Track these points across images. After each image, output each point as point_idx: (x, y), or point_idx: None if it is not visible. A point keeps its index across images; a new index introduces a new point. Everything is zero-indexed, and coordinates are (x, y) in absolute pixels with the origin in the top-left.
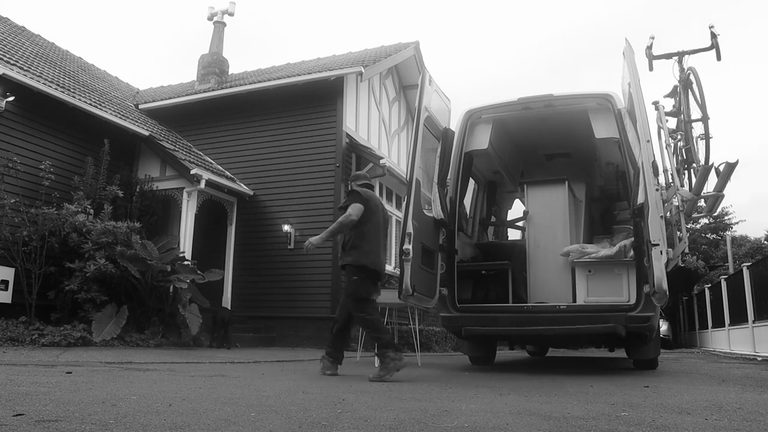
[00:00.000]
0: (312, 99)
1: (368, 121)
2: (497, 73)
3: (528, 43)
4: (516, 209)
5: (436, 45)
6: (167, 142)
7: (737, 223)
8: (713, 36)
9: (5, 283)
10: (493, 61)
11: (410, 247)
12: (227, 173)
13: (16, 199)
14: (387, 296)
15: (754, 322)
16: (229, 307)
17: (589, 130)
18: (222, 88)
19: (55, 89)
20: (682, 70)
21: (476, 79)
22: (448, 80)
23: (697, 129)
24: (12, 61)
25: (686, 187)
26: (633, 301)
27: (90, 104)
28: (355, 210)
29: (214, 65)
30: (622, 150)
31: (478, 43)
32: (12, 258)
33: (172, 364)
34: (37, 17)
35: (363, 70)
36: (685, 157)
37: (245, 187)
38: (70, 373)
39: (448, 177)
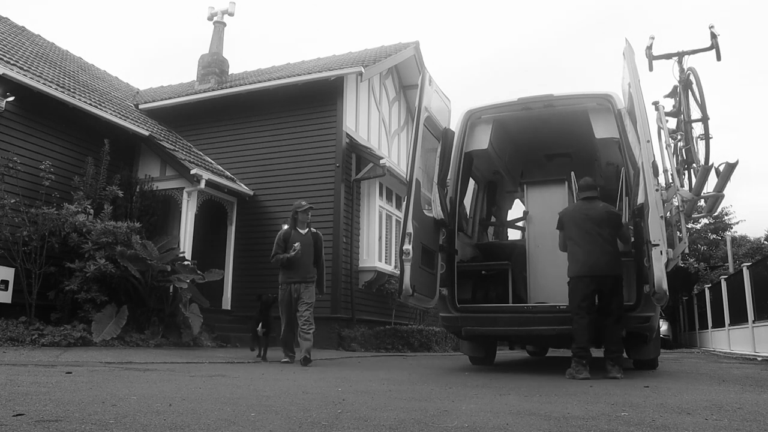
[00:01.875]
0: (312, 99)
1: (368, 121)
2: (498, 72)
3: (529, 43)
4: (516, 209)
5: (436, 45)
6: (167, 142)
7: (737, 223)
8: (713, 36)
9: (5, 283)
10: (494, 60)
11: (410, 247)
12: (227, 173)
13: (16, 199)
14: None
15: (754, 322)
16: (230, 307)
17: (589, 130)
18: (222, 88)
19: (55, 89)
20: (682, 70)
21: (477, 79)
22: (447, 81)
23: (697, 129)
24: (12, 61)
25: (686, 188)
26: (633, 301)
27: (90, 104)
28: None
29: (214, 65)
30: (622, 150)
31: (479, 43)
32: (12, 258)
33: (172, 364)
34: (37, 17)
35: (363, 70)
36: (685, 158)
37: (245, 187)
38: (70, 373)
39: (448, 177)
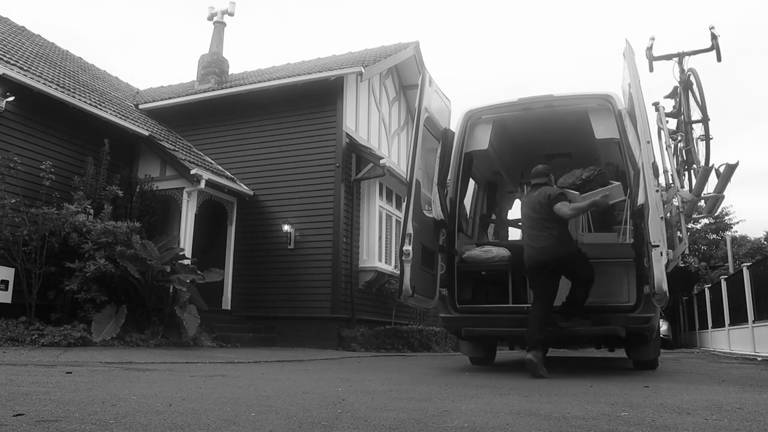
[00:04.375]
0: (312, 99)
1: (368, 121)
2: (498, 72)
3: (531, 44)
4: (516, 209)
5: (436, 46)
6: (167, 142)
7: (737, 223)
8: (713, 37)
9: (5, 283)
10: (494, 61)
11: (410, 247)
12: (227, 173)
13: (16, 199)
14: None
15: (754, 322)
16: (230, 307)
17: (589, 130)
18: (222, 88)
19: (55, 89)
20: (682, 71)
21: (477, 79)
22: (447, 81)
23: (698, 130)
24: (12, 61)
25: (686, 188)
26: (633, 301)
27: (90, 104)
28: None
29: (214, 65)
30: (622, 151)
31: (479, 44)
32: (12, 258)
33: (172, 364)
34: (37, 17)
35: (363, 70)
36: (685, 158)
37: (245, 187)
38: (70, 373)
39: (448, 177)
